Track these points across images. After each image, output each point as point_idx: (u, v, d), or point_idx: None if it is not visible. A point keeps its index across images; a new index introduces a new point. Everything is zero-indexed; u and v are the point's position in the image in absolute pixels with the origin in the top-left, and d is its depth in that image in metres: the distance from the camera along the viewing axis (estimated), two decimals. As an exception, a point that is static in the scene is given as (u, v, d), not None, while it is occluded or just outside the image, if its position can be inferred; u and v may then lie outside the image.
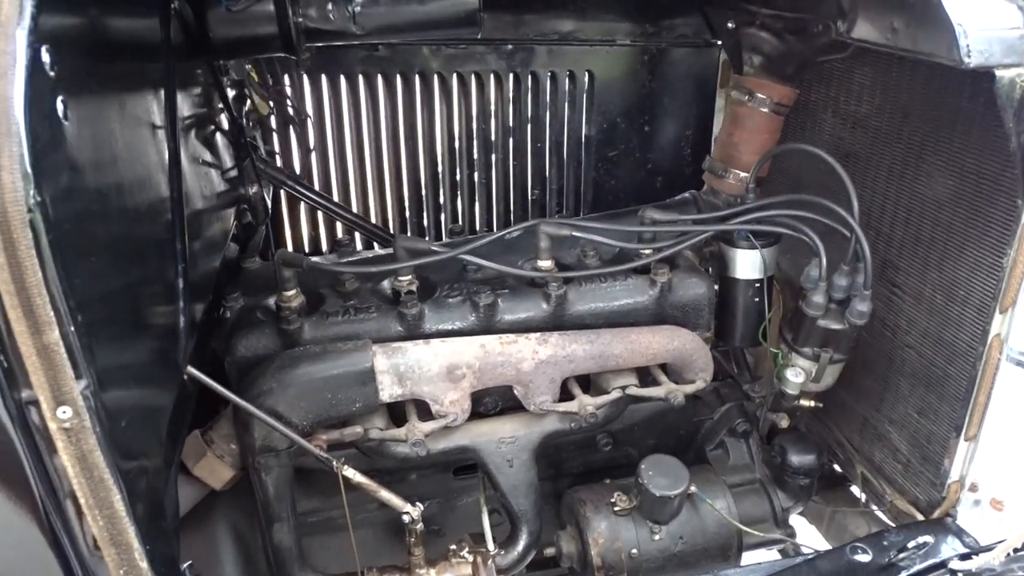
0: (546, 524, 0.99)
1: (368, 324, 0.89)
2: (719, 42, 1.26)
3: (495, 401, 0.94)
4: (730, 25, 1.13)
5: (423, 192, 1.35)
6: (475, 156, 1.35)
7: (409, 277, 0.92)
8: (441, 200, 1.37)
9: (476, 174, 1.37)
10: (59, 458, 0.44)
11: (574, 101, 1.32)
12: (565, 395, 0.92)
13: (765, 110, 0.99)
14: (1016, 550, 0.88)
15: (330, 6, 0.91)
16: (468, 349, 0.86)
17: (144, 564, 0.49)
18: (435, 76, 1.27)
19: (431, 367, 0.85)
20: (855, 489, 1.18)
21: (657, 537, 0.93)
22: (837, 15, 0.87)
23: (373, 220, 1.35)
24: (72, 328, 0.43)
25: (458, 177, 1.35)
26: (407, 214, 1.37)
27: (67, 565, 0.47)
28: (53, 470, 0.45)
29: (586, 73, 1.29)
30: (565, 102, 1.31)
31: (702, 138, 1.37)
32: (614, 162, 1.38)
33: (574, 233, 0.92)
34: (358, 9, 0.92)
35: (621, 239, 0.94)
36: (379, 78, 1.28)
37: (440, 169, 1.34)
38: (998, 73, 0.73)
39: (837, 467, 1.19)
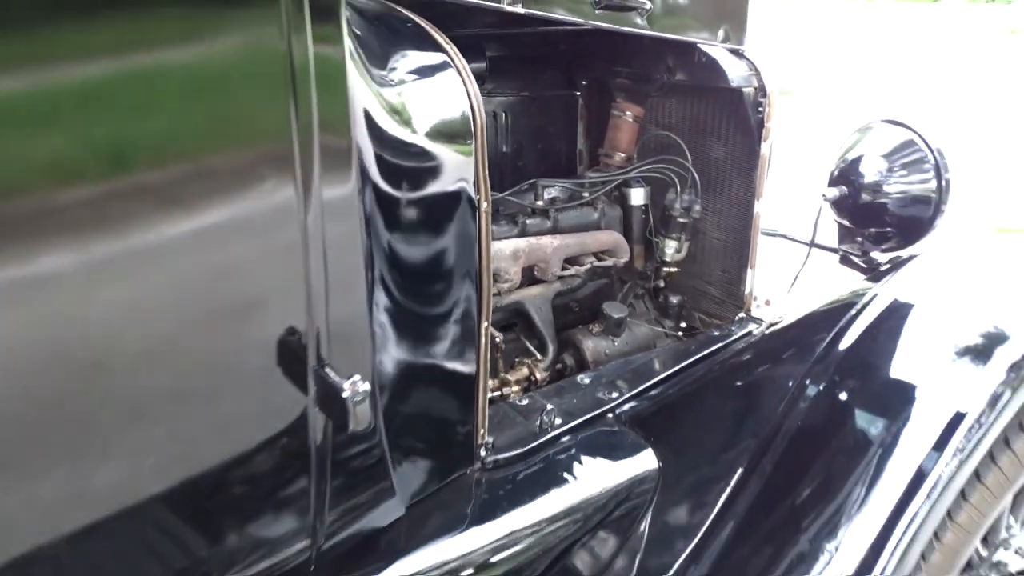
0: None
1: (463, 236, 1.59)
2: (578, 92, 2.13)
3: (524, 282, 1.68)
4: (583, 82, 2.01)
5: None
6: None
7: (474, 212, 1.63)
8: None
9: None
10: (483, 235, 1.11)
11: (497, 131, 2.11)
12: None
13: (630, 120, 1.86)
14: (775, 322, 1.79)
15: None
16: (521, 242, 1.59)
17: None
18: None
19: (504, 251, 1.57)
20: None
21: (616, 343, 1.71)
22: (667, 71, 1.77)
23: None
24: None
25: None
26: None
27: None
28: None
29: (504, 113, 2.09)
30: (493, 133, 2.09)
31: (571, 151, 2.23)
32: (521, 168, 2.18)
33: (556, 184, 1.71)
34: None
35: (577, 187, 1.75)
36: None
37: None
38: (744, 90, 1.65)
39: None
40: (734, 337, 1.71)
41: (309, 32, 0.73)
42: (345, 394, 0.79)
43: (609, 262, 1.73)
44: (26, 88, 0.60)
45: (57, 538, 0.72)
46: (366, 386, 0.80)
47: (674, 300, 1.84)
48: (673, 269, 1.83)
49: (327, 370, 0.81)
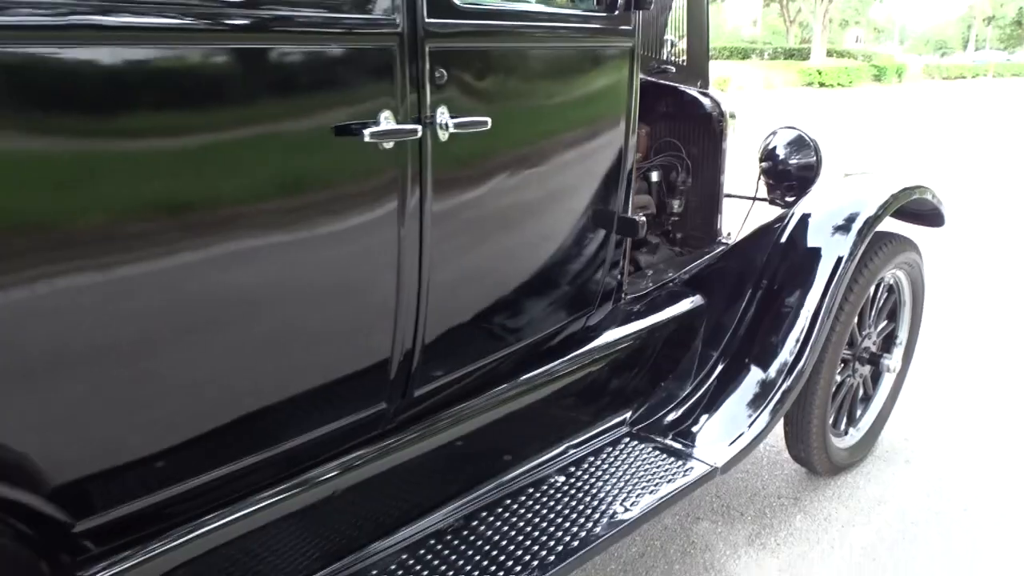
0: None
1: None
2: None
3: None
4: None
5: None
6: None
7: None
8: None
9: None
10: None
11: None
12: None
13: (643, 134, 3.18)
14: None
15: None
16: (607, 200, 2.87)
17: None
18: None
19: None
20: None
21: (654, 258, 3.01)
22: (667, 104, 3.10)
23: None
24: None
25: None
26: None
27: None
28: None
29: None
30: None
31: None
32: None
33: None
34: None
35: (624, 171, 3.05)
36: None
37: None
38: (711, 113, 3.00)
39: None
40: (716, 251, 3.07)
41: (635, 75, 2.02)
42: (638, 220, 2.07)
43: (648, 211, 3.04)
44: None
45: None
46: (644, 219, 2.08)
47: (678, 235, 3.18)
48: (676, 218, 3.17)
49: (622, 213, 2.09)
